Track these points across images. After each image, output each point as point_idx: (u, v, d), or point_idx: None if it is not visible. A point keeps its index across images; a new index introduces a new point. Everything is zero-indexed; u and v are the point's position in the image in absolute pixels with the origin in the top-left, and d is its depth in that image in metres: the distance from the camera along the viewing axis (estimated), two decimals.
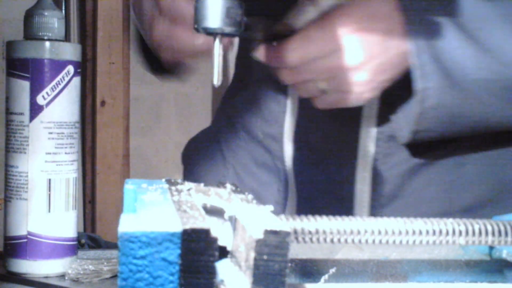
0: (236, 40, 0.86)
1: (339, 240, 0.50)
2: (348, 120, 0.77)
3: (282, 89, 0.81)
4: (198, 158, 0.94)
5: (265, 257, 0.42)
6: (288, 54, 0.67)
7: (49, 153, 0.69)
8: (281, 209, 0.82)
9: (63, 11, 2.37)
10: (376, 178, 0.76)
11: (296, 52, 0.67)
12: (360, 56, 0.66)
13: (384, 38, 0.66)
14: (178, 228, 0.41)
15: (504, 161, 0.77)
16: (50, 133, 0.69)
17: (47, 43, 0.69)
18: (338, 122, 0.77)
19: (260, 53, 0.70)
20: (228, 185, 0.63)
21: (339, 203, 0.78)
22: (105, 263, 0.69)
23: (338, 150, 0.78)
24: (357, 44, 0.66)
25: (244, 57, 0.90)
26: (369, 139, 0.76)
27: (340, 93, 0.69)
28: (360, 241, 0.50)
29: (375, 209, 0.76)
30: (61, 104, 0.70)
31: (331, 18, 0.67)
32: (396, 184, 0.76)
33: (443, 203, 0.77)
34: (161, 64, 0.82)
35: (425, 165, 0.76)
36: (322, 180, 0.80)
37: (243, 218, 0.47)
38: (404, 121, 0.70)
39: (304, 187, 0.81)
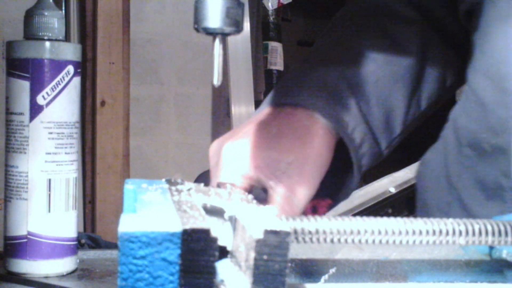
0: None
1: (339, 240, 0.50)
2: None
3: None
4: (425, 183, 0.86)
5: (265, 257, 0.42)
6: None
7: (49, 153, 0.69)
8: None
9: (63, 11, 2.37)
10: None
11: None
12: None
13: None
14: (178, 228, 0.41)
15: None
16: (50, 133, 0.69)
17: (47, 43, 0.69)
18: None
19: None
20: (228, 185, 0.63)
21: None
22: None
23: None
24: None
25: None
26: None
27: None
28: (360, 241, 0.50)
29: None
30: (61, 104, 0.69)
31: None
32: None
33: None
34: None
35: None
36: None
37: (243, 218, 0.47)
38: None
39: None
